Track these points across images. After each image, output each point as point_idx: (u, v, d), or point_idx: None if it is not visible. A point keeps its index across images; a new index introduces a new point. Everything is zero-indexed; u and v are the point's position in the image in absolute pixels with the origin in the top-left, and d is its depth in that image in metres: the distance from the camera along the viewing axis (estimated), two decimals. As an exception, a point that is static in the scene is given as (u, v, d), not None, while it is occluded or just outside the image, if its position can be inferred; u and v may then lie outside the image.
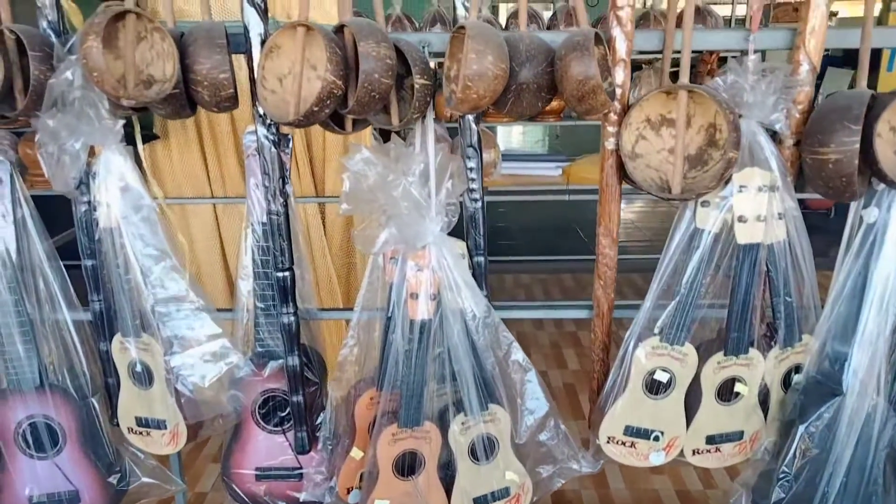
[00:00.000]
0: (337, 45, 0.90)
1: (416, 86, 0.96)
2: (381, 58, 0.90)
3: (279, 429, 1.18)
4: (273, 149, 1.03)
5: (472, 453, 1.15)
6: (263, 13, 0.97)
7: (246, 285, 1.14)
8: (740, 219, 1.06)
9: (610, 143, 1.10)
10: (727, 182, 1.06)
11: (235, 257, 1.98)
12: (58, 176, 1.01)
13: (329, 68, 0.88)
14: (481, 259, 1.12)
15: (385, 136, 1.14)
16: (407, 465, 1.13)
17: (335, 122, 1.05)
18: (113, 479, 1.19)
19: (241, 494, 1.20)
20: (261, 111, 1.01)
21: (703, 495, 2.31)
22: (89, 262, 1.12)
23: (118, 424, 1.20)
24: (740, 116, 1.02)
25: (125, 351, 1.14)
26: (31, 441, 1.14)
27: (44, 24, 1.00)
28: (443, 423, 1.14)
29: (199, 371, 1.09)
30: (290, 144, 1.08)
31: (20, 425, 1.14)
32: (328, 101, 0.90)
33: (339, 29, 0.95)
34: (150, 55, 0.92)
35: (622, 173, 1.12)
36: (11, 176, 1.08)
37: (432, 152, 1.06)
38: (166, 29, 0.92)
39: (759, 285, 1.10)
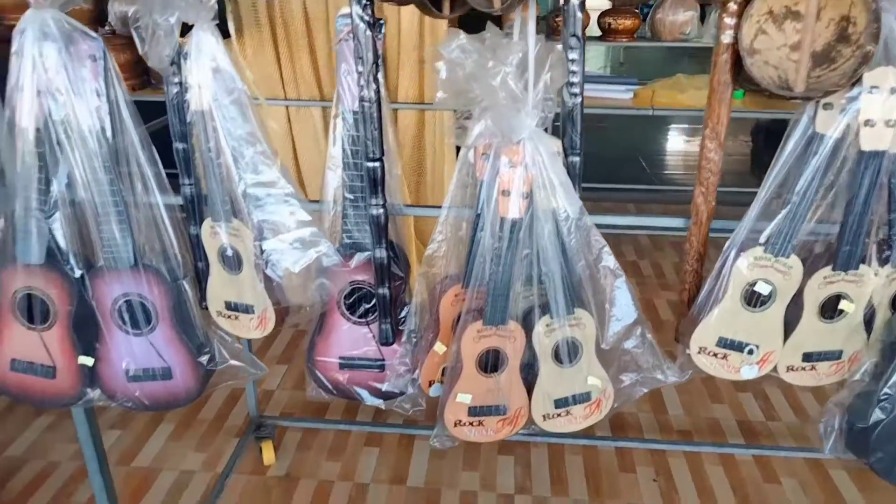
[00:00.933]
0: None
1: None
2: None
3: (363, 320, 1.19)
4: (368, 31, 0.98)
5: (556, 356, 1.14)
6: None
7: (334, 176, 1.12)
8: (867, 122, 0.98)
9: (727, 37, 1.01)
10: (856, 82, 0.97)
11: (307, 160, 1.99)
12: (152, 52, 1.00)
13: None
14: (577, 159, 1.07)
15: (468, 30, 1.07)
16: (490, 363, 1.13)
17: (433, 3, 0.99)
18: (202, 360, 1.23)
19: (325, 381, 1.23)
20: (360, -7, 0.96)
21: (765, 427, 2.28)
22: (180, 146, 1.13)
23: (207, 308, 1.24)
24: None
25: (215, 236, 1.16)
26: (126, 318, 1.19)
27: None
28: (527, 324, 1.13)
29: (289, 257, 1.10)
30: (383, 30, 1.03)
31: (116, 302, 1.18)
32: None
33: None
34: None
35: (736, 71, 1.03)
36: (105, 53, 1.07)
37: (532, 41, 1.00)
38: None
39: (879, 197, 1.02)
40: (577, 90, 1.02)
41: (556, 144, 1.04)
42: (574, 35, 0.99)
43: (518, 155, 1.02)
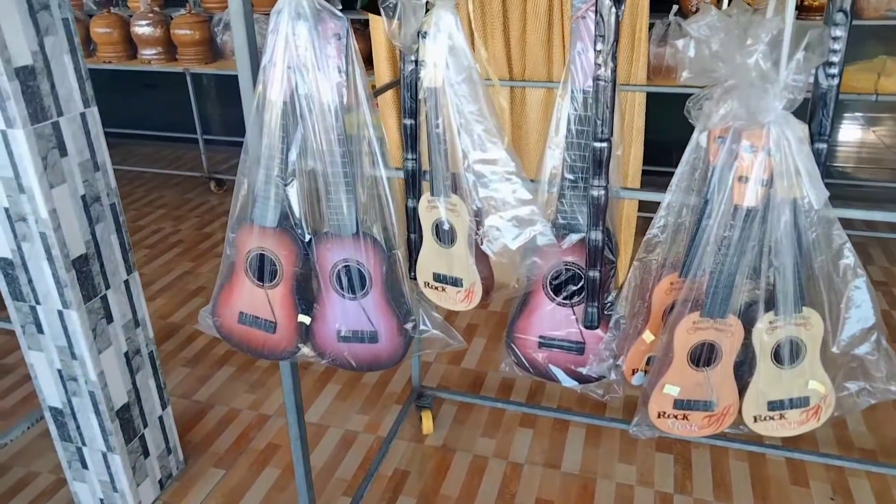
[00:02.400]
0: None
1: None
2: None
3: (568, 302, 1.19)
4: (613, 8, 0.97)
5: (776, 355, 1.08)
6: None
7: (553, 156, 1.13)
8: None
9: None
10: None
11: (523, 137, 1.99)
12: (401, 29, 1.04)
13: None
14: (823, 146, 1.00)
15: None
16: (703, 356, 1.09)
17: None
18: (407, 327, 1.29)
19: (522, 358, 1.25)
20: (606, -35, 0.94)
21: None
22: (409, 122, 1.18)
23: (415, 278, 1.29)
24: None
25: (432, 210, 1.20)
26: (343, 282, 1.27)
27: None
28: (747, 319, 1.07)
29: (507, 234, 1.12)
30: (623, 7, 1.01)
31: (335, 266, 1.26)
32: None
33: None
34: None
35: None
36: (348, 32, 1.14)
37: (791, 16, 0.93)
38: None
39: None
40: (835, 71, 0.95)
41: (803, 129, 0.98)
42: (841, 10, 0.92)
43: (762, 139, 0.96)
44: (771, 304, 1.05)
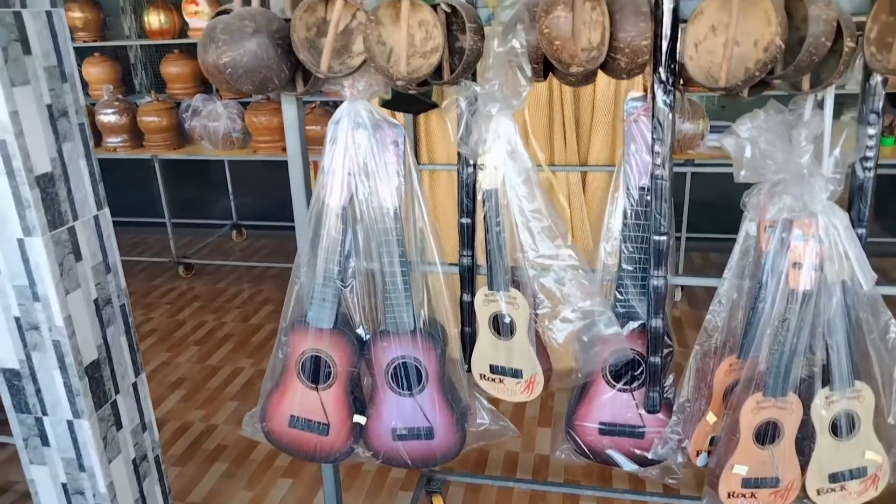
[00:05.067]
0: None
1: (846, 49, 0.93)
2: (829, 20, 0.88)
3: (627, 387, 1.22)
4: (670, 115, 1.05)
5: (833, 428, 1.13)
6: (678, -21, 0.99)
7: (609, 247, 1.18)
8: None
9: None
10: None
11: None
12: (465, 140, 1.09)
13: (779, 32, 0.88)
14: (863, 231, 1.09)
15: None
16: (766, 434, 1.14)
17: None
18: (461, 421, 1.29)
19: (582, 445, 1.26)
20: (663, 77, 1.03)
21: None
22: (466, 220, 1.21)
23: (470, 370, 1.30)
24: None
25: (490, 303, 1.23)
26: (399, 379, 1.26)
27: (461, -4, 1.07)
28: (804, 395, 1.13)
29: (569, 326, 1.15)
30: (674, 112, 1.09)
31: (391, 364, 1.26)
32: (769, 66, 0.90)
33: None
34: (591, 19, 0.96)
35: None
36: (405, 139, 1.18)
37: (829, 117, 1.04)
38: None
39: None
40: (870, 164, 1.05)
41: (846, 216, 1.07)
42: (874, 112, 1.02)
43: (811, 228, 1.05)
44: (826, 380, 1.11)
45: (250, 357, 3.09)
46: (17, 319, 1.62)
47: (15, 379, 1.65)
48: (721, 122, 3.35)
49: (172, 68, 3.88)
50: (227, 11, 1.14)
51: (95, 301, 1.70)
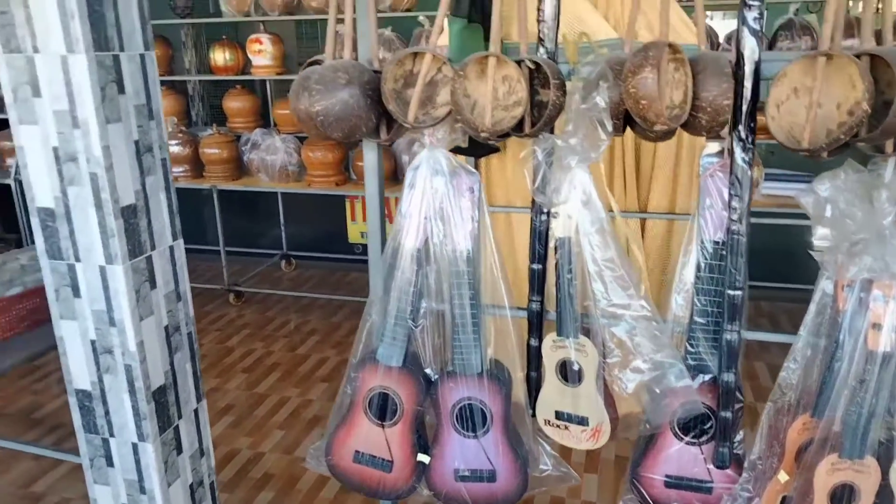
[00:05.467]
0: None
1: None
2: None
3: (696, 441, 1.21)
4: (749, 172, 1.06)
5: (913, 494, 1.10)
6: (760, 39, 1.01)
7: (680, 298, 1.19)
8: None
9: None
10: None
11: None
12: (541, 189, 1.13)
13: (866, 97, 0.89)
14: (944, 292, 1.08)
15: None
16: (842, 497, 1.11)
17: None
18: (524, 465, 1.29)
19: (647, 497, 1.25)
20: (742, 135, 1.05)
21: None
22: (537, 266, 1.24)
23: (535, 415, 1.31)
24: None
25: (558, 349, 1.24)
26: (464, 420, 1.28)
27: (543, 53, 1.12)
28: (883, 459, 1.10)
29: (640, 376, 1.16)
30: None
31: (457, 405, 1.28)
32: (854, 129, 0.91)
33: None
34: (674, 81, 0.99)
35: None
36: (480, 185, 1.22)
37: (909, 180, 1.04)
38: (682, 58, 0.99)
39: None
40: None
41: (926, 280, 1.06)
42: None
43: (892, 289, 1.04)
44: (905, 444, 1.09)
45: (297, 387, 3.14)
46: (93, 343, 1.70)
47: (86, 400, 1.71)
48: (773, 170, 3.33)
49: (234, 103, 4.04)
50: (318, 62, 1.21)
51: (166, 328, 1.77)
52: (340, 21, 1.23)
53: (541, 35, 1.11)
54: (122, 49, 1.58)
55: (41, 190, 1.61)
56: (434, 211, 1.21)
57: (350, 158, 3.76)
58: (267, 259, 4.57)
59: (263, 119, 4.16)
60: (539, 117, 1.09)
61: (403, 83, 1.12)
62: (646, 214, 2.00)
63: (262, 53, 3.91)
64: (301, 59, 4.73)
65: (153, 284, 1.72)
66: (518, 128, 1.08)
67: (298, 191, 3.78)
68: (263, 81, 4.14)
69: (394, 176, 3.67)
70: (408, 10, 3.66)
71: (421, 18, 3.70)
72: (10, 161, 4.02)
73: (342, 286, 4.33)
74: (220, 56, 3.98)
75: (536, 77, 1.10)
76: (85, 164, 1.55)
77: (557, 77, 1.05)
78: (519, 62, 1.07)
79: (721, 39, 3.34)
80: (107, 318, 1.66)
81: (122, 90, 1.59)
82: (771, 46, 3.12)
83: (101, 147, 1.53)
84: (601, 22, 1.74)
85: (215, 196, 4.07)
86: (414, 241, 1.22)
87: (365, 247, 4.57)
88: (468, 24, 1.70)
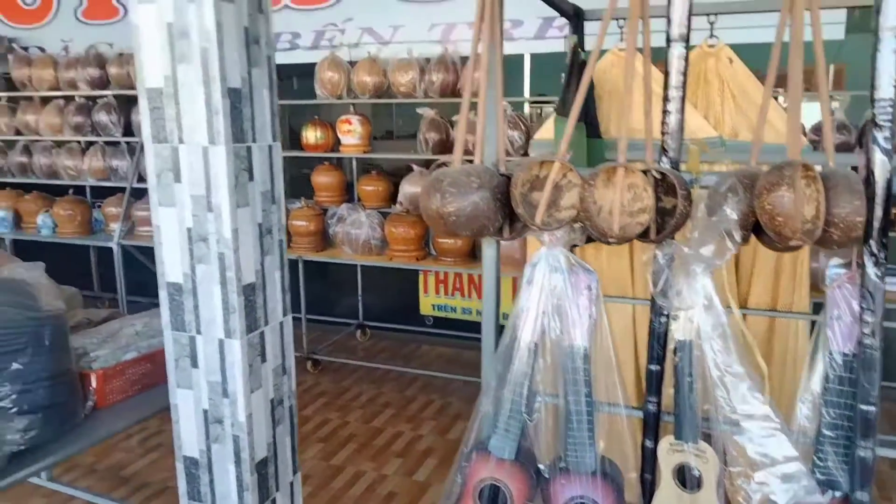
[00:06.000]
0: None
1: None
2: None
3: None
4: (881, 286, 1.06)
5: None
6: (891, 158, 1.03)
7: (806, 409, 1.16)
8: None
9: None
10: None
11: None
12: (664, 292, 1.15)
13: None
14: None
15: None
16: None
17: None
18: (636, 572, 1.26)
19: None
20: (874, 249, 1.05)
21: None
22: (655, 368, 1.24)
23: (648, 519, 1.28)
24: None
25: (675, 453, 1.23)
26: (574, 520, 1.26)
27: (666, 162, 1.17)
28: None
29: (765, 489, 1.13)
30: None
31: (569, 502, 1.27)
32: None
33: None
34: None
35: None
36: (598, 283, 1.25)
37: None
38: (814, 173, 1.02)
39: None
40: None
41: None
42: None
43: None
44: None
45: (372, 461, 3.14)
46: (205, 412, 1.78)
47: (193, 467, 1.78)
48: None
49: (322, 178, 4.25)
50: (444, 164, 1.29)
51: (272, 401, 1.84)
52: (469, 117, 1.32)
53: (665, 146, 1.16)
54: (254, 140, 1.72)
55: (172, 266, 1.74)
56: (551, 307, 1.24)
57: (430, 234, 3.87)
58: (343, 328, 4.68)
59: (348, 193, 4.36)
60: (662, 223, 1.12)
61: (529, 187, 1.18)
62: (766, 312, 1.97)
63: (351, 133, 4.14)
64: (377, 133, 4.96)
65: (264, 358, 1.80)
66: (644, 234, 1.12)
67: (380, 264, 3.90)
68: (350, 159, 4.35)
69: (471, 253, 3.75)
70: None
71: (503, 104, 3.86)
72: (113, 226, 4.32)
73: (414, 359, 4.37)
74: (311, 134, 4.23)
75: (660, 185, 1.14)
76: (215, 244, 1.67)
77: (685, 188, 1.09)
78: (645, 171, 1.12)
79: (807, 130, 3.33)
80: (220, 389, 1.74)
81: (251, 177, 1.72)
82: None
83: (231, 230, 1.66)
84: (702, 122, 1.79)
85: (301, 266, 4.24)
86: (531, 335, 1.26)
87: (436, 319, 4.62)
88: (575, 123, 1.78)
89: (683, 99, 1.14)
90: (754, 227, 1.08)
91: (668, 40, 1.12)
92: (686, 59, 1.11)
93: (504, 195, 1.18)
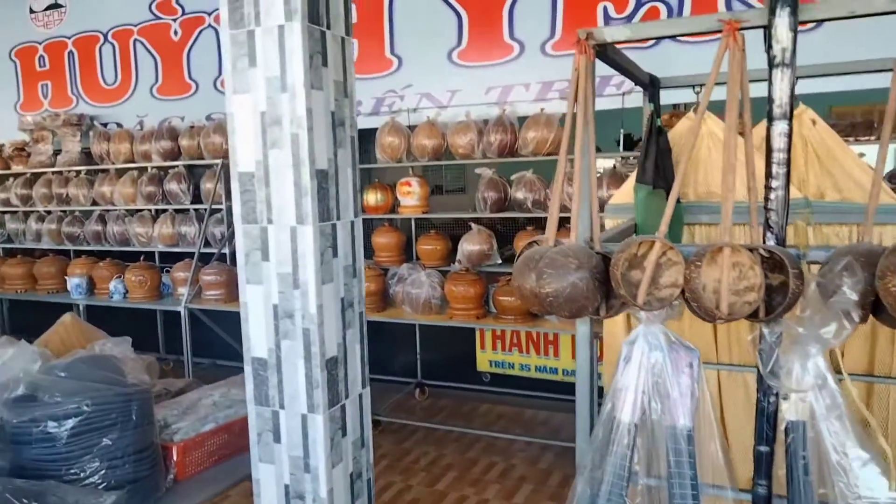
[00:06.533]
0: None
1: None
2: None
3: None
4: None
5: None
6: None
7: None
8: None
9: None
10: None
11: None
12: (774, 372, 1.11)
13: None
14: None
15: None
16: None
17: None
18: None
19: None
20: None
21: None
22: (764, 449, 1.19)
23: None
24: None
25: (792, 542, 1.16)
26: None
27: (771, 239, 1.15)
28: None
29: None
30: None
31: None
32: None
33: None
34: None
35: None
36: (699, 361, 1.22)
37: None
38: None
39: None
40: None
41: None
42: None
43: None
44: None
45: (441, 528, 3.07)
46: (287, 487, 1.78)
47: None
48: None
49: (382, 239, 4.32)
50: (536, 242, 1.30)
51: (351, 475, 1.83)
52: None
53: (769, 223, 1.15)
54: (338, 218, 1.78)
55: (258, 341, 1.78)
56: (651, 385, 1.22)
57: (489, 292, 3.87)
58: (403, 386, 4.66)
59: (406, 253, 4.41)
60: (769, 300, 1.10)
61: (628, 265, 1.18)
62: (864, 378, 1.88)
63: (411, 194, 4.22)
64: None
65: (344, 432, 1.81)
66: (752, 313, 1.10)
67: (440, 323, 3.90)
68: (408, 219, 4.43)
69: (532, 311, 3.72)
70: (549, 153, 3.86)
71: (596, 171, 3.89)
72: (181, 290, 4.46)
73: (474, 418, 4.31)
74: (371, 197, 4.33)
75: (766, 262, 1.12)
76: (300, 320, 1.71)
77: (795, 266, 1.07)
78: (751, 249, 1.10)
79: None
80: (302, 465, 1.75)
81: (335, 254, 1.77)
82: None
83: (316, 306, 1.69)
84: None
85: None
86: (630, 415, 1.23)
87: (493, 375, 4.56)
88: (653, 189, 1.78)
89: (788, 175, 1.12)
90: (873, 306, 1.04)
91: (770, 118, 1.12)
92: (789, 136, 1.10)
93: (602, 274, 1.17)
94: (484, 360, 4.63)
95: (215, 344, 4.85)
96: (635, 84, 1.99)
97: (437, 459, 3.77)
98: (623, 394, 1.24)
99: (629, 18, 3.88)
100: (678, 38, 3.55)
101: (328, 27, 1.76)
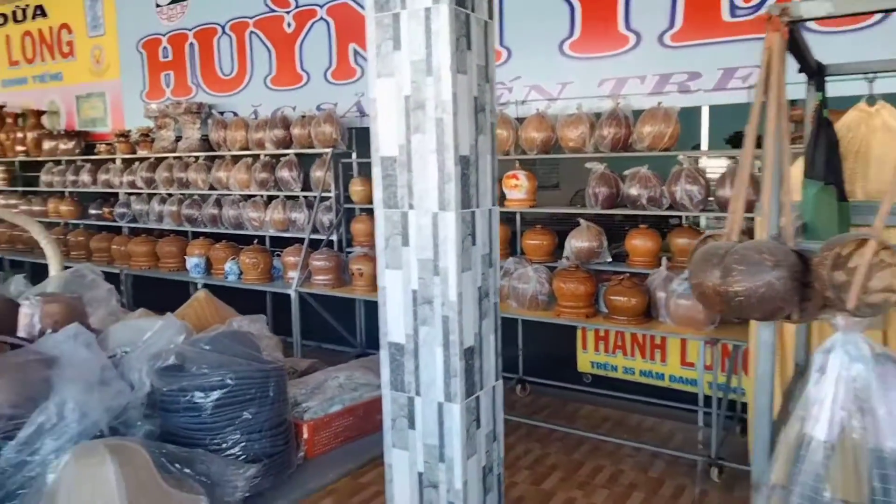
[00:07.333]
0: None
1: None
2: None
3: None
4: None
5: None
6: None
7: None
8: None
9: None
10: None
11: None
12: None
13: None
14: None
15: None
16: None
17: None
18: None
19: None
20: None
21: None
22: None
23: None
24: None
25: None
26: None
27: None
28: None
29: None
30: None
31: None
32: None
33: None
34: None
35: None
36: (908, 376, 1.09)
37: None
38: None
39: None
40: None
41: None
42: None
43: None
44: None
45: (549, 529, 3.00)
46: (420, 475, 1.77)
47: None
48: None
49: (488, 231, 4.27)
50: (711, 237, 1.20)
51: (484, 468, 1.79)
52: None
53: None
54: (477, 205, 1.73)
55: (395, 327, 1.77)
56: (851, 401, 1.09)
57: (600, 292, 3.74)
58: (504, 382, 4.60)
59: (511, 247, 4.34)
60: None
61: (832, 265, 1.06)
62: None
63: (518, 188, 4.14)
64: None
65: (478, 424, 1.77)
66: None
67: (547, 320, 3.81)
68: (514, 213, 4.35)
69: (647, 313, 3.56)
70: (666, 149, 3.68)
71: (681, 158, 3.70)
72: (291, 274, 4.59)
73: (578, 419, 4.19)
74: (478, 189, 4.27)
75: None
76: (439, 307, 1.68)
77: None
78: None
79: None
80: (437, 454, 1.72)
81: (474, 242, 1.73)
82: None
83: (457, 293, 1.66)
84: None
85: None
86: (825, 432, 1.11)
87: (594, 377, 4.42)
88: (824, 185, 1.63)
89: None
90: None
91: None
92: None
93: (802, 275, 1.06)
94: (585, 360, 4.50)
95: (321, 328, 4.98)
96: (801, 70, 1.83)
97: (541, 458, 3.69)
98: (816, 408, 1.12)
99: (756, 9, 3.62)
100: (814, 27, 3.27)
101: (472, 10, 1.71)
